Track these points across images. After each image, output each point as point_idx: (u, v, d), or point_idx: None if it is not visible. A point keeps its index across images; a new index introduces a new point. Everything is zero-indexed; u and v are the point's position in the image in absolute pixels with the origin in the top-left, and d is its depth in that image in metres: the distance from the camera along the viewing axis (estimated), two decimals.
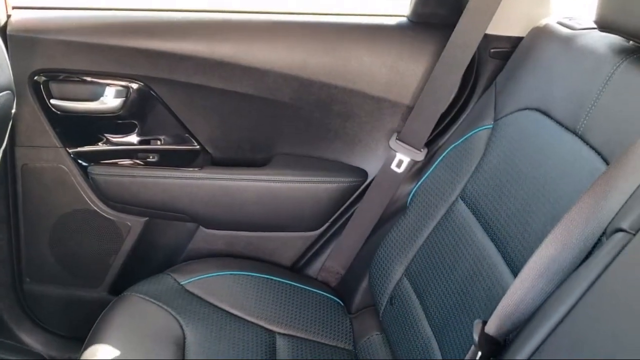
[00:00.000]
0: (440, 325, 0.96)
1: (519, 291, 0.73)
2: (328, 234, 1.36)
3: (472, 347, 0.75)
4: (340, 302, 1.30)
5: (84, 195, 1.28)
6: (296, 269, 1.39)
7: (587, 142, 0.82)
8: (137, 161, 1.27)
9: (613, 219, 0.67)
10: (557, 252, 0.71)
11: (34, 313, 1.39)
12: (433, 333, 0.97)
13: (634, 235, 0.61)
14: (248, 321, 1.15)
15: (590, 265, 0.65)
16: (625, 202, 0.67)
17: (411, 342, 1.02)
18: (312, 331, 1.18)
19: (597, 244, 0.68)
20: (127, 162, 1.27)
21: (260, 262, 1.35)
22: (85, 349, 1.00)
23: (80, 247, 1.32)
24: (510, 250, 0.86)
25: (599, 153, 0.79)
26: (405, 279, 1.11)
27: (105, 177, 1.25)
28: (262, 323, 1.16)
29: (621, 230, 0.64)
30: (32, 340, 1.39)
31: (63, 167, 1.25)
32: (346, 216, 1.33)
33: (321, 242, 1.37)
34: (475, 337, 0.73)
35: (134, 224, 1.31)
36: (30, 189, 1.27)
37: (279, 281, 1.28)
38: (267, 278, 1.27)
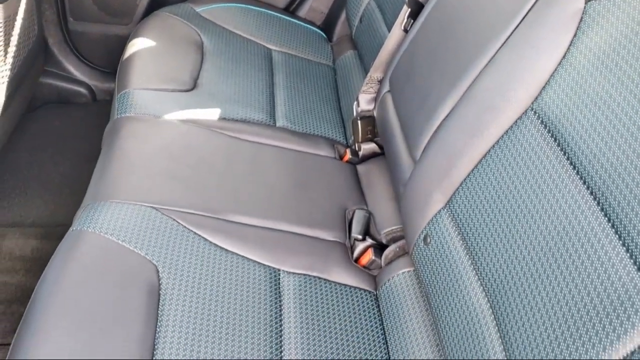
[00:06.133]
0: None
1: None
2: None
3: (404, 6, 1.09)
4: (324, 34, 1.64)
5: None
6: (288, 12, 1.71)
7: None
8: None
9: None
10: None
11: (78, 49, 1.72)
12: None
13: None
14: (250, 39, 1.48)
15: None
16: None
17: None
18: (301, 50, 1.53)
19: None
20: None
21: (260, 2, 1.66)
22: (128, 45, 1.35)
23: None
24: None
25: None
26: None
27: None
28: (259, 41, 1.49)
29: None
30: (78, 72, 1.73)
31: None
32: None
33: None
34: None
35: None
36: None
37: (275, 15, 1.61)
38: (265, 12, 1.60)
